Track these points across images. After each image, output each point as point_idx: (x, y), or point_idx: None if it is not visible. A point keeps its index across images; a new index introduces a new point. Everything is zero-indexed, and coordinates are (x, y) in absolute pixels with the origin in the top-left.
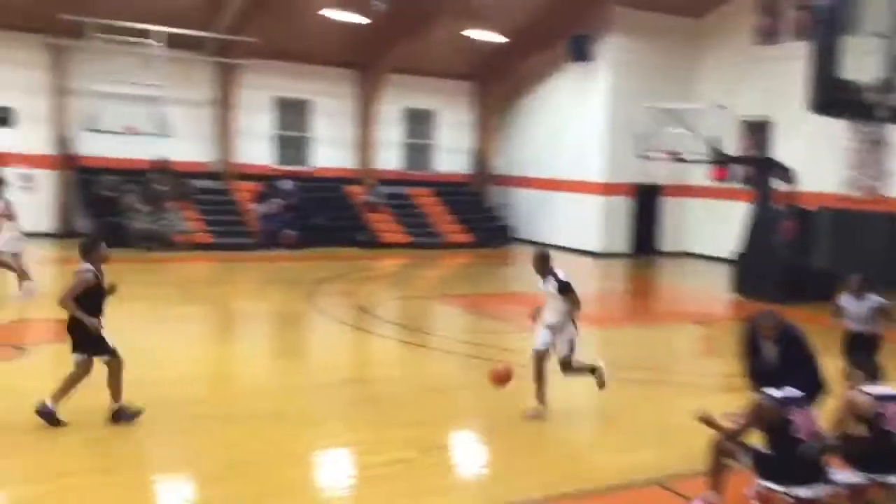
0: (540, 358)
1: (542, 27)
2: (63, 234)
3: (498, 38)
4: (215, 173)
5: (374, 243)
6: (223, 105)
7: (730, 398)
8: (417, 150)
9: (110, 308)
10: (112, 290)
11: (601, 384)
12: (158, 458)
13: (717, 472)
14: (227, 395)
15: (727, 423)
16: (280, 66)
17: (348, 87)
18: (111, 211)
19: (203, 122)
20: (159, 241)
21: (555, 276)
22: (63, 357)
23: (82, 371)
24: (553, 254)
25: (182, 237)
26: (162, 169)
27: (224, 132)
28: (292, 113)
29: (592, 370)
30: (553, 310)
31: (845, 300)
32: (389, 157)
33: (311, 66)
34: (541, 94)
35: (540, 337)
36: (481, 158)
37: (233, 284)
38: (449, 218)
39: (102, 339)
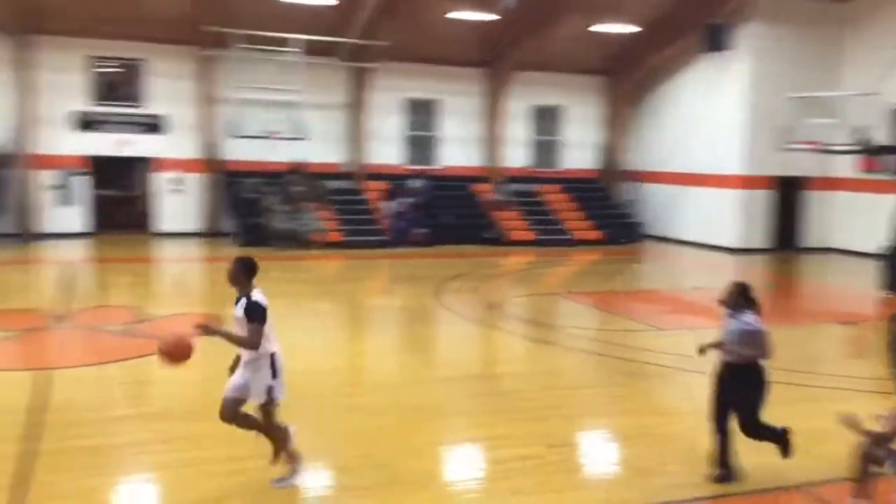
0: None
1: (674, 18)
2: (209, 233)
3: (628, 30)
4: (347, 174)
5: (501, 241)
6: (355, 107)
7: (878, 401)
8: (545, 147)
9: None
10: None
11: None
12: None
13: (863, 479)
14: (359, 387)
15: (875, 428)
16: (409, 68)
17: (476, 85)
18: (253, 211)
19: (336, 124)
20: (296, 240)
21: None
22: (207, 348)
23: None
24: (694, 253)
25: (317, 236)
26: (299, 171)
27: (356, 134)
28: (421, 113)
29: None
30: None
31: None
32: (517, 154)
33: (439, 67)
34: (672, 87)
35: None
36: (610, 154)
37: (364, 281)
38: (577, 215)
39: None
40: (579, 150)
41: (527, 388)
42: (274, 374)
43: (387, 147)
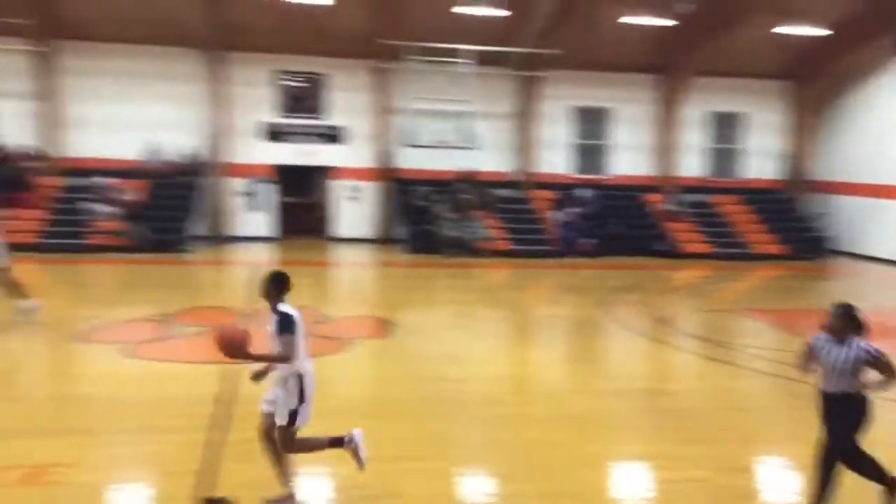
0: None
1: (865, 18)
2: (382, 239)
3: (816, 33)
4: (515, 182)
5: (673, 253)
6: (524, 116)
7: None
8: (723, 156)
9: (424, 310)
10: None
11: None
12: (460, 452)
13: None
14: (525, 396)
15: None
16: (579, 76)
17: (649, 92)
18: (423, 219)
19: (505, 133)
20: (465, 248)
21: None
22: (379, 351)
23: None
24: (886, 271)
25: (485, 244)
26: (468, 179)
27: (525, 143)
28: (591, 121)
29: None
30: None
31: None
32: (691, 163)
33: (610, 74)
34: (864, 92)
35: None
36: (796, 163)
37: (531, 290)
38: (757, 227)
39: None
40: (761, 158)
41: (698, 408)
42: (302, 399)
43: (555, 156)
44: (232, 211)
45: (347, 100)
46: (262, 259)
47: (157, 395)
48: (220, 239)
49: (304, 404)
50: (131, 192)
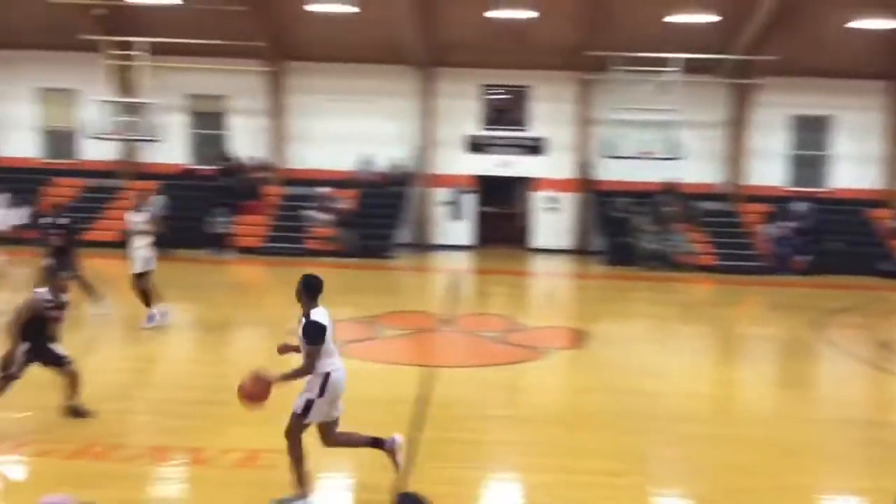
0: None
1: None
2: (580, 251)
3: None
4: (723, 194)
5: None
6: (736, 125)
7: None
8: None
9: (620, 322)
10: None
11: None
12: (655, 469)
13: None
14: (725, 417)
15: None
16: (799, 83)
17: (878, 99)
18: (622, 231)
19: (713, 143)
20: (664, 261)
21: None
22: (574, 361)
23: None
24: None
25: (687, 258)
26: (671, 190)
27: (735, 153)
28: (809, 130)
29: None
30: None
31: None
32: None
33: (832, 80)
34: None
35: None
36: None
37: (736, 307)
38: None
39: None
40: None
41: None
42: (321, 393)
43: (769, 167)
44: (435, 220)
45: (549, 111)
46: (462, 267)
47: (360, 392)
48: (424, 246)
49: (321, 398)
50: (344, 200)
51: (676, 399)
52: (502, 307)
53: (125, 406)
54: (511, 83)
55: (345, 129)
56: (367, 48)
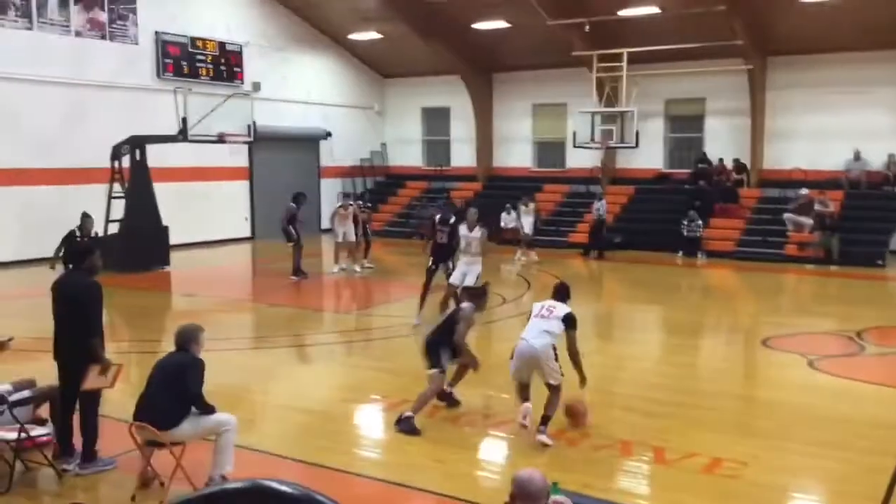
0: None
1: None
2: None
3: None
4: None
5: None
6: None
7: None
8: None
9: None
10: None
11: None
12: None
13: None
14: None
15: None
16: None
17: None
18: None
19: None
20: None
21: None
22: None
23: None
24: None
25: None
26: None
27: None
28: None
29: None
30: None
31: None
32: None
33: None
34: None
35: None
36: None
37: None
38: None
39: None
40: None
41: None
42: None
43: None
44: None
45: None
46: None
47: (839, 411)
48: None
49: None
50: (828, 202)
51: None
52: None
53: (600, 399)
54: None
55: (831, 124)
56: (859, 34)
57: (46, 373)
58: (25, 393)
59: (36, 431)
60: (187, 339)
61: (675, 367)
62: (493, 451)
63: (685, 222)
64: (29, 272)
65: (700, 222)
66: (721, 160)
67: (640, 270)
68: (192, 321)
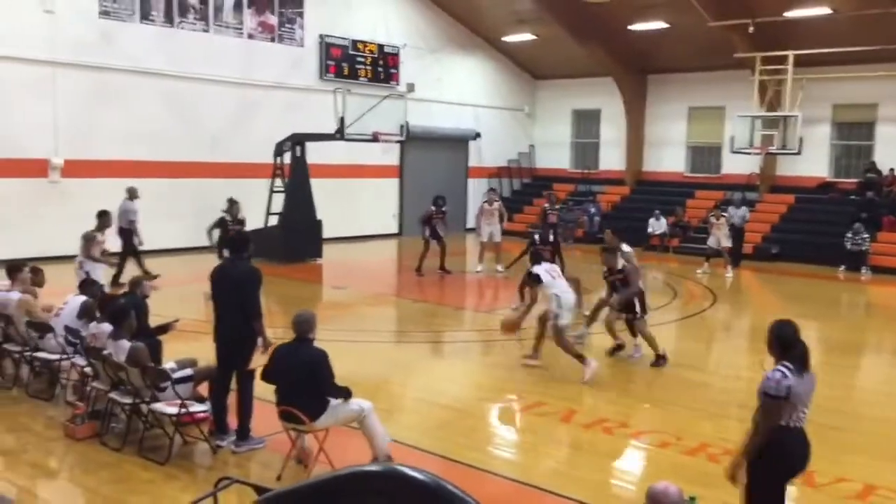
0: None
1: None
2: None
3: None
4: None
5: None
6: None
7: None
8: None
9: None
10: None
11: None
12: None
13: None
14: None
15: None
16: None
17: None
18: None
19: None
20: None
21: None
22: None
23: None
24: None
25: None
26: None
27: None
28: None
29: None
30: None
31: None
32: None
33: None
34: None
35: None
36: None
37: None
38: None
39: None
40: None
41: None
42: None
43: None
44: None
45: None
46: None
47: None
48: None
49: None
50: None
51: None
52: None
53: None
54: None
55: None
56: None
57: (206, 352)
58: (187, 371)
59: (195, 408)
60: (308, 327)
61: (830, 389)
62: (630, 460)
63: (849, 235)
64: (198, 259)
65: (866, 235)
66: (892, 170)
67: (796, 283)
68: (307, 308)
